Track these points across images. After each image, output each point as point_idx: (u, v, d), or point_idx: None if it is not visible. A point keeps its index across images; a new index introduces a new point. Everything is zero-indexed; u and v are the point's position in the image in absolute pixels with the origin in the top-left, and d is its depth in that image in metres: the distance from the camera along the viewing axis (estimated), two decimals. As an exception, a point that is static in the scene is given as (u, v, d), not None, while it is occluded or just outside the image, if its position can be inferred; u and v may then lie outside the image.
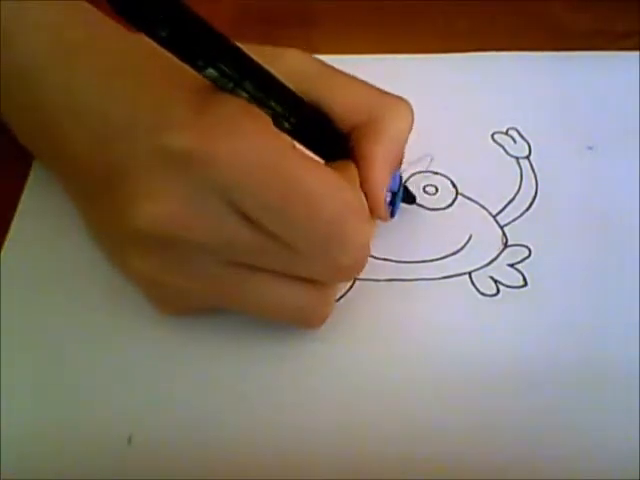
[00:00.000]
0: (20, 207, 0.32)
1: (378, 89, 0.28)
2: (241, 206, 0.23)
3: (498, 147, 0.34)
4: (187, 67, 0.21)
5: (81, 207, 0.30)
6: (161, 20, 0.19)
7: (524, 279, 0.30)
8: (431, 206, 0.32)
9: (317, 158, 0.26)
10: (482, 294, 0.29)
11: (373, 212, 0.26)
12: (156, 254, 0.25)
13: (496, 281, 0.30)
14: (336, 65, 0.28)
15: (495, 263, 0.30)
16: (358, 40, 0.37)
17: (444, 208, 0.32)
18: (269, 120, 0.23)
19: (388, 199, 0.27)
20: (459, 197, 0.32)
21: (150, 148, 0.23)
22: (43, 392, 0.27)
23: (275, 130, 0.23)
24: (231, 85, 0.22)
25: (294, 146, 0.24)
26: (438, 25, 0.38)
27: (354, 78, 0.27)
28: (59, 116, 0.27)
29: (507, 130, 0.34)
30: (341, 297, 0.29)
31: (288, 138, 0.24)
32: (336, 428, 0.26)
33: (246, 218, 0.23)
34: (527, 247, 0.31)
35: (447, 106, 0.35)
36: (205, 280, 0.25)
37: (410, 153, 0.33)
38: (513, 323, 0.29)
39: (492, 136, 0.34)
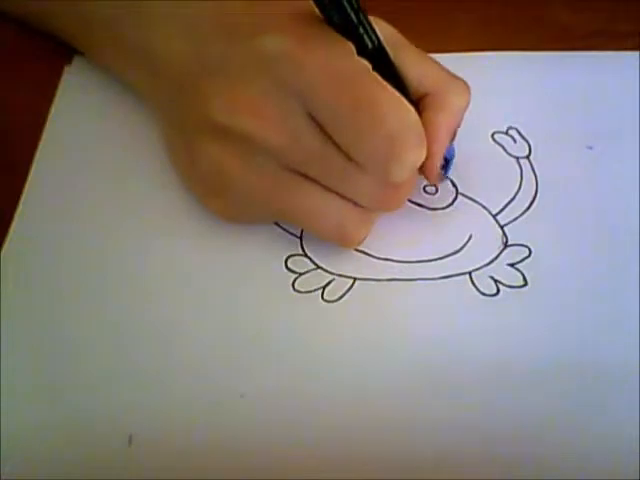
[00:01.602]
0: (20, 207, 0.32)
1: (444, 68, 0.30)
2: (313, 111, 0.26)
3: (498, 147, 0.34)
4: None
5: (159, 104, 0.32)
6: None
7: (524, 279, 0.30)
8: (431, 206, 0.32)
9: None
10: (482, 294, 0.29)
11: (427, 172, 0.29)
12: (225, 141, 0.27)
13: (496, 281, 0.30)
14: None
15: (495, 263, 0.30)
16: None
17: (444, 208, 0.32)
18: (353, 48, 0.26)
19: (441, 163, 0.29)
20: (459, 197, 0.32)
21: (247, 49, 0.27)
22: (43, 392, 0.27)
23: (357, 56, 0.26)
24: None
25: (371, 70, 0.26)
26: (438, 25, 0.38)
27: (425, 55, 0.30)
28: (156, 21, 0.30)
29: (507, 130, 0.34)
30: (341, 297, 0.29)
31: (367, 63, 0.26)
32: (336, 429, 0.26)
33: (315, 124, 0.26)
34: (527, 247, 0.31)
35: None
36: (262, 177, 0.28)
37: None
38: (513, 323, 0.29)
39: (492, 136, 0.34)
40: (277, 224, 0.31)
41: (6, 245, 0.31)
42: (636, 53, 0.36)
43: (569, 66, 0.36)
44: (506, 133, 0.34)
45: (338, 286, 0.30)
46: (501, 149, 0.34)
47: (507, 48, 0.37)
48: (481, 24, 0.38)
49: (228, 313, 0.29)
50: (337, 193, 0.28)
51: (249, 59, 0.26)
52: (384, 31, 0.28)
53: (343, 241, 0.29)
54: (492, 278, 0.30)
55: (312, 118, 0.26)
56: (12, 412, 0.27)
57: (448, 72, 0.30)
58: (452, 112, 0.29)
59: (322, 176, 0.27)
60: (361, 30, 0.26)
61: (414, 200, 0.32)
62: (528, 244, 0.31)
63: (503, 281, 0.30)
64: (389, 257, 0.30)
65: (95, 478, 0.26)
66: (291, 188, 0.28)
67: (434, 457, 0.26)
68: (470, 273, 0.30)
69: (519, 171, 0.33)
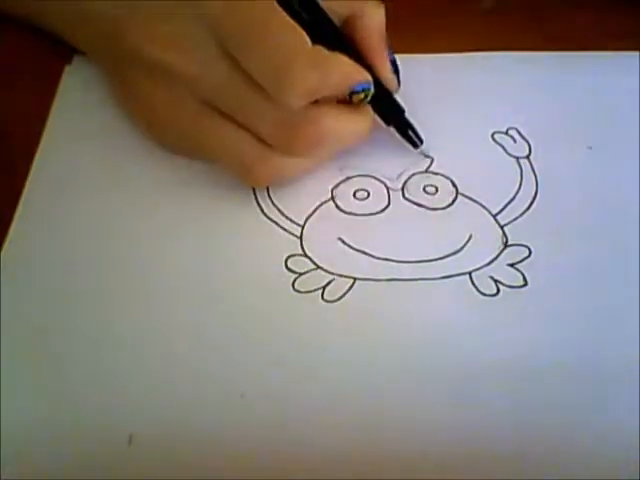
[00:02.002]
0: (20, 207, 0.32)
1: None
2: (222, 41, 0.28)
3: (498, 147, 0.34)
4: None
5: (99, 53, 0.35)
6: None
7: (524, 279, 0.30)
8: (431, 206, 0.32)
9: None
10: (482, 294, 0.29)
11: (382, 76, 0.31)
12: (150, 73, 0.30)
13: (496, 281, 0.30)
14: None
15: (495, 263, 0.30)
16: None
17: (444, 208, 0.32)
18: None
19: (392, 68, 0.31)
20: (459, 197, 0.32)
21: None
22: (43, 392, 0.27)
23: None
24: None
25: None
26: (438, 25, 0.38)
27: None
28: None
29: (507, 130, 0.34)
30: (341, 297, 0.29)
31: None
32: (336, 428, 0.26)
33: (225, 55, 0.28)
34: (527, 247, 0.31)
35: (447, 106, 0.35)
36: (181, 108, 0.30)
37: (410, 153, 0.33)
38: (513, 323, 0.29)
39: (492, 136, 0.34)
40: (277, 224, 0.31)
41: (6, 245, 0.31)
42: (636, 53, 0.37)
43: (569, 66, 0.36)
44: (506, 133, 0.34)
45: (338, 286, 0.30)
46: (501, 149, 0.34)
47: (507, 48, 0.37)
48: (481, 24, 0.38)
49: (228, 313, 0.29)
50: (247, 130, 0.29)
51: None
52: None
53: (243, 175, 0.30)
54: (492, 278, 0.30)
55: (223, 49, 0.28)
56: (12, 412, 0.27)
57: None
58: (377, 22, 0.31)
59: (232, 109, 0.29)
60: None
61: (414, 200, 0.32)
62: (528, 244, 0.31)
63: (503, 281, 0.30)
64: (389, 257, 0.30)
65: (95, 478, 0.26)
66: (205, 121, 0.30)
67: (434, 457, 0.26)
68: (470, 273, 0.30)
69: (519, 171, 0.33)
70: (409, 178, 0.33)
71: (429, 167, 0.33)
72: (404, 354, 0.28)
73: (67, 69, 0.36)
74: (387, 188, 0.32)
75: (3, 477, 0.25)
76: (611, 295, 0.29)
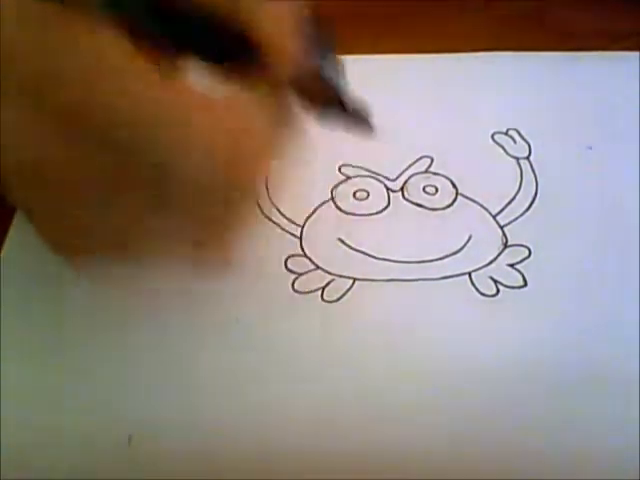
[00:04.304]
0: (20, 207, 0.32)
1: None
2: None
3: (498, 147, 0.34)
4: None
5: None
6: None
7: (524, 279, 0.30)
8: (431, 206, 0.32)
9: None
10: (482, 294, 0.29)
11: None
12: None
13: (496, 281, 0.30)
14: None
15: (495, 263, 0.30)
16: (358, 40, 0.36)
17: (444, 208, 0.32)
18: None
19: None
20: (459, 197, 0.32)
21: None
22: (43, 392, 0.27)
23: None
24: None
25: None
26: (438, 25, 0.38)
27: None
28: None
29: (507, 130, 0.34)
30: (341, 297, 0.29)
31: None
32: (336, 428, 0.26)
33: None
34: (527, 247, 0.31)
35: (447, 106, 0.35)
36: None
37: (410, 153, 0.33)
38: (513, 323, 0.29)
39: (492, 136, 0.34)
40: (277, 224, 0.31)
41: (6, 245, 0.31)
42: (636, 53, 0.37)
43: (569, 66, 0.36)
44: (506, 133, 0.34)
45: (338, 286, 0.30)
46: (501, 150, 0.34)
47: (507, 48, 0.37)
48: (481, 24, 0.38)
49: (227, 313, 0.29)
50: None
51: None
52: None
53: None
54: (492, 278, 0.30)
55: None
56: (12, 412, 0.27)
57: None
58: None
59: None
60: None
61: (414, 200, 0.32)
62: (528, 244, 0.31)
63: (503, 281, 0.30)
64: (389, 257, 0.30)
65: (95, 478, 0.26)
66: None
67: (433, 457, 0.26)
68: (470, 273, 0.30)
69: (519, 171, 0.33)
70: (409, 178, 0.33)
71: (429, 167, 0.33)
72: (404, 354, 0.28)
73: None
74: (387, 188, 0.32)
75: (3, 477, 0.25)
76: (611, 295, 0.29)
